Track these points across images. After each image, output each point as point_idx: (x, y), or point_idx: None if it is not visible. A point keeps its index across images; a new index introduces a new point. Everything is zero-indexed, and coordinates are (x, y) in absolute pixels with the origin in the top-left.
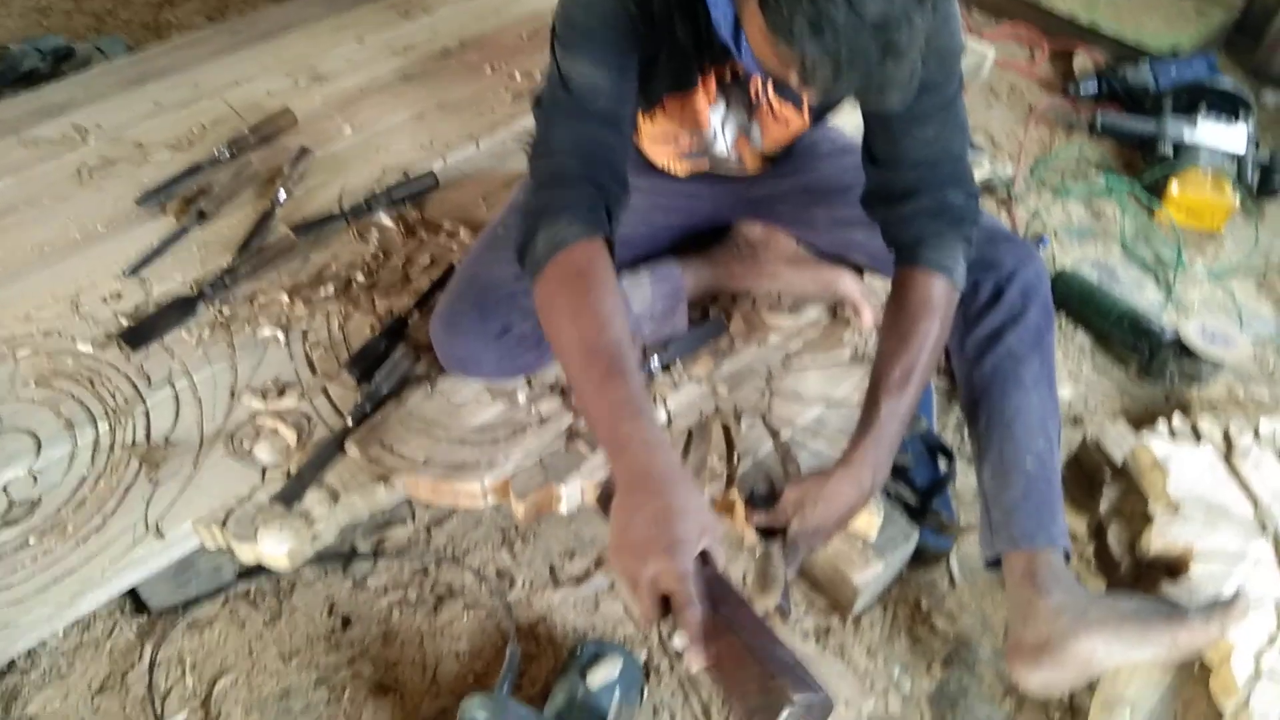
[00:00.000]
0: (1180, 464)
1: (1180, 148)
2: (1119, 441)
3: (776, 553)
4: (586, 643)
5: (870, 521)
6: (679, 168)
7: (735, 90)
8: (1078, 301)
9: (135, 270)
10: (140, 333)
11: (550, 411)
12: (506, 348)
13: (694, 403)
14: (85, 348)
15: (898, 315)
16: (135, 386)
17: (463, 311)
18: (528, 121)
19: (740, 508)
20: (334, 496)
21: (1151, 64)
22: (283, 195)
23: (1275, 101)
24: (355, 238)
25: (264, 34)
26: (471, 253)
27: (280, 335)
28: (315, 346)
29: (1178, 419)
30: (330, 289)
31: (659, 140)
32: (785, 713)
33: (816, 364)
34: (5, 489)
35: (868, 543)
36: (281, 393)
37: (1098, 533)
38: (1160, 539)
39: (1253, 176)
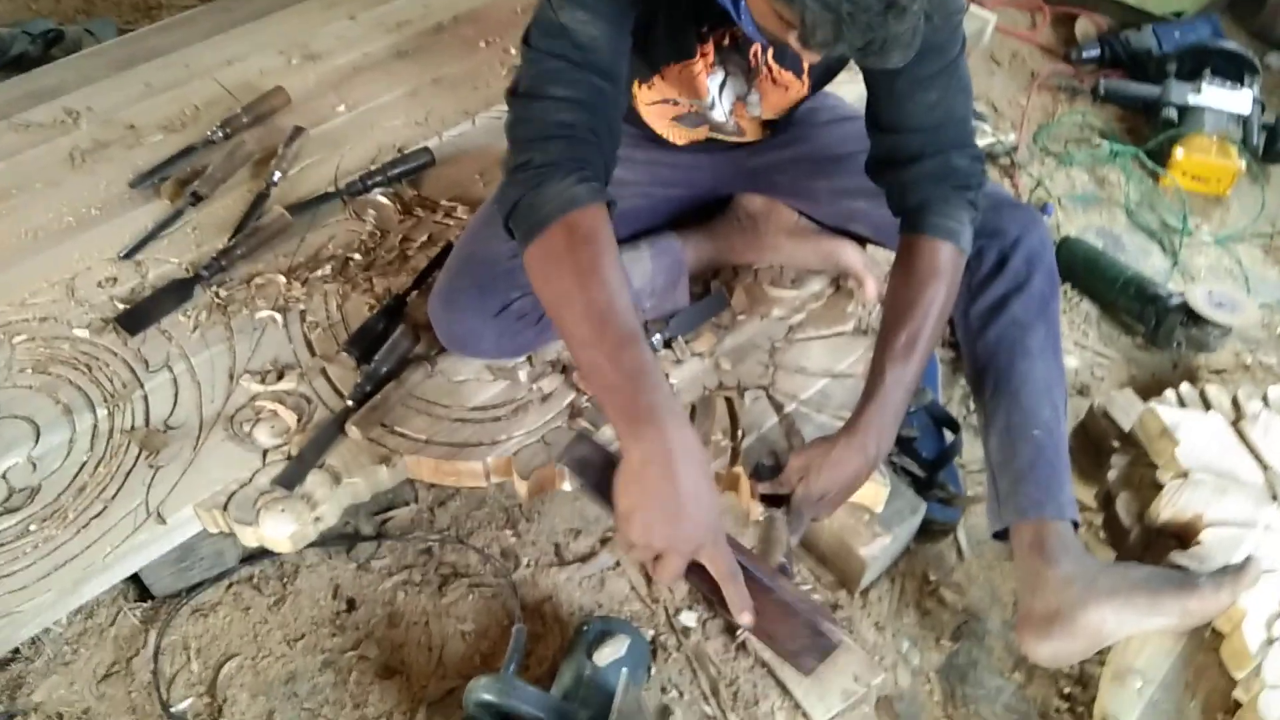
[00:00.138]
0: (1189, 431)
1: (1184, 112)
2: (1127, 409)
3: (780, 518)
4: (593, 621)
5: (877, 494)
6: (677, 136)
7: (734, 56)
8: (1083, 269)
9: (130, 254)
10: (137, 317)
11: (552, 388)
12: (506, 324)
13: (697, 378)
14: (82, 333)
15: (903, 281)
16: (133, 371)
17: (461, 289)
18: None
19: (745, 482)
20: (336, 478)
21: (1154, 28)
22: (277, 175)
23: None
24: (351, 217)
25: (255, 12)
26: (468, 229)
27: (278, 317)
28: (313, 327)
29: (1186, 386)
30: (327, 269)
31: (657, 108)
32: (822, 650)
33: (820, 337)
34: (5, 476)
35: (874, 516)
36: (280, 375)
37: (1106, 502)
38: (1170, 507)
39: (1258, 140)
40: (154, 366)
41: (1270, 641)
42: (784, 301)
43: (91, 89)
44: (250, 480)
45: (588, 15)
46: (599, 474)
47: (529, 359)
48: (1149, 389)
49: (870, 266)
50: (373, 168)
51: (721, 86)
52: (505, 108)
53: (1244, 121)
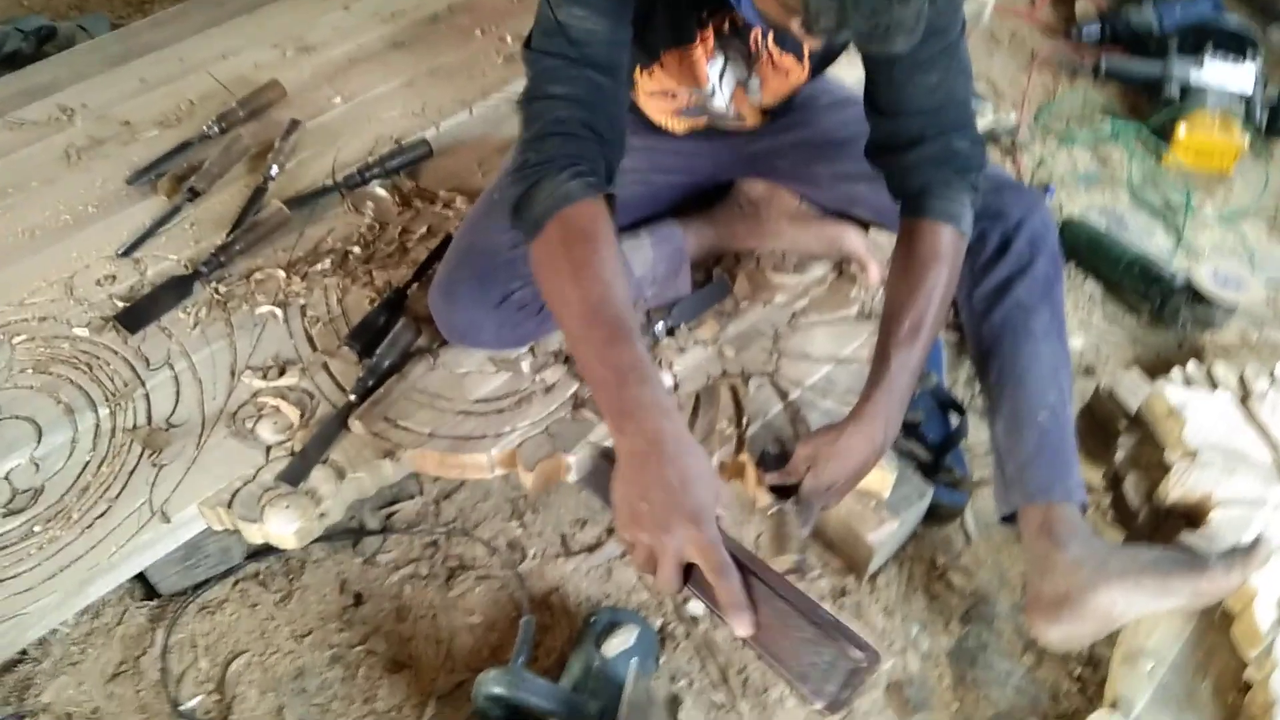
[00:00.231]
0: (1196, 411)
1: (1187, 89)
2: (1133, 390)
3: (791, 511)
4: (601, 611)
5: (884, 479)
6: (677, 125)
7: (734, 42)
8: (1086, 250)
9: (129, 251)
10: (136, 315)
11: (555, 379)
12: (507, 316)
13: (700, 366)
14: (82, 332)
15: (905, 266)
16: (134, 369)
17: (461, 280)
18: (520, 85)
19: (751, 471)
20: (340, 473)
21: (1155, 5)
22: (274, 169)
23: None
24: (350, 210)
25: (249, 5)
26: (467, 220)
27: (278, 312)
28: (314, 322)
29: (1192, 365)
30: (327, 263)
31: (656, 97)
32: (847, 673)
33: (824, 322)
34: (7, 477)
35: (882, 501)
36: (282, 370)
37: (1114, 483)
38: (1178, 487)
39: (1261, 116)
40: (155, 364)
41: None
42: (787, 287)
43: (85, 85)
44: (254, 477)
45: (584, 10)
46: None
47: (531, 350)
48: (1155, 368)
49: (873, 250)
50: (370, 160)
51: (721, 73)
52: (502, 97)
53: (1247, 98)
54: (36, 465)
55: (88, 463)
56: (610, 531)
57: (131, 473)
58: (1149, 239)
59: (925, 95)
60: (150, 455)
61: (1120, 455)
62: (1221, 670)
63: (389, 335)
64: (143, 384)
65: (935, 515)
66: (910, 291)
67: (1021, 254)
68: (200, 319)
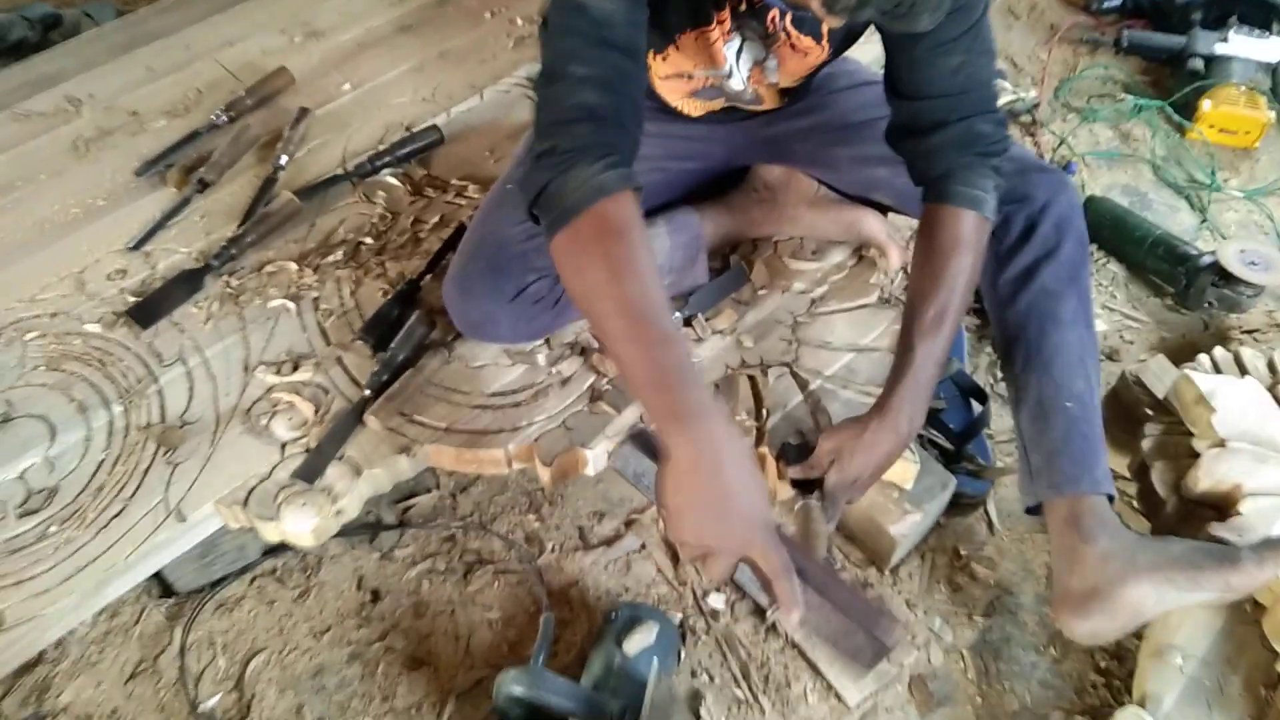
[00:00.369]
0: (1225, 398)
1: (1211, 62)
2: (1160, 376)
3: (815, 507)
4: (621, 608)
5: (907, 471)
6: (693, 108)
7: (751, 22)
8: (1109, 229)
9: (139, 244)
10: (148, 309)
11: (571, 371)
12: (522, 309)
13: (719, 356)
14: (94, 328)
15: (928, 253)
16: (147, 366)
17: (475, 274)
18: (532, 68)
19: (771, 464)
20: (356, 470)
21: None
22: (284, 159)
23: None
24: (361, 199)
25: None
26: (480, 212)
27: (291, 305)
28: (327, 315)
29: (1220, 350)
30: (339, 254)
31: (671, 79)
32: (875, 651)
33: (843, 310)
34: (22, 477)
35: (904, 493)
36: (296, 365)
37: (1140, 472)
38: (1207, 477)
39: None
40: (167, 360)
41: None
42: (805, 274)
43: (92, 75)
44: (270, 474)
45: None
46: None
47: (547, 342)
48: (1180, 351)
49: (893, 235)
50: (381, 148)
51: (739, 53)
52: (513, 81)
53: (1273, 70)
54: (51, 465)
55: (102, 461)
56: (629, 524)
57: (146, 471)
58: (1173, 217)
59: (948, 78)
60: (165, 453)
61: (1147, 443)
62: (1252, 665)
63: (403, 328)
64: (156, 380)
65: (957, 505)
66: (934, 280)
67: (1047, 238)
68: (212, 313)
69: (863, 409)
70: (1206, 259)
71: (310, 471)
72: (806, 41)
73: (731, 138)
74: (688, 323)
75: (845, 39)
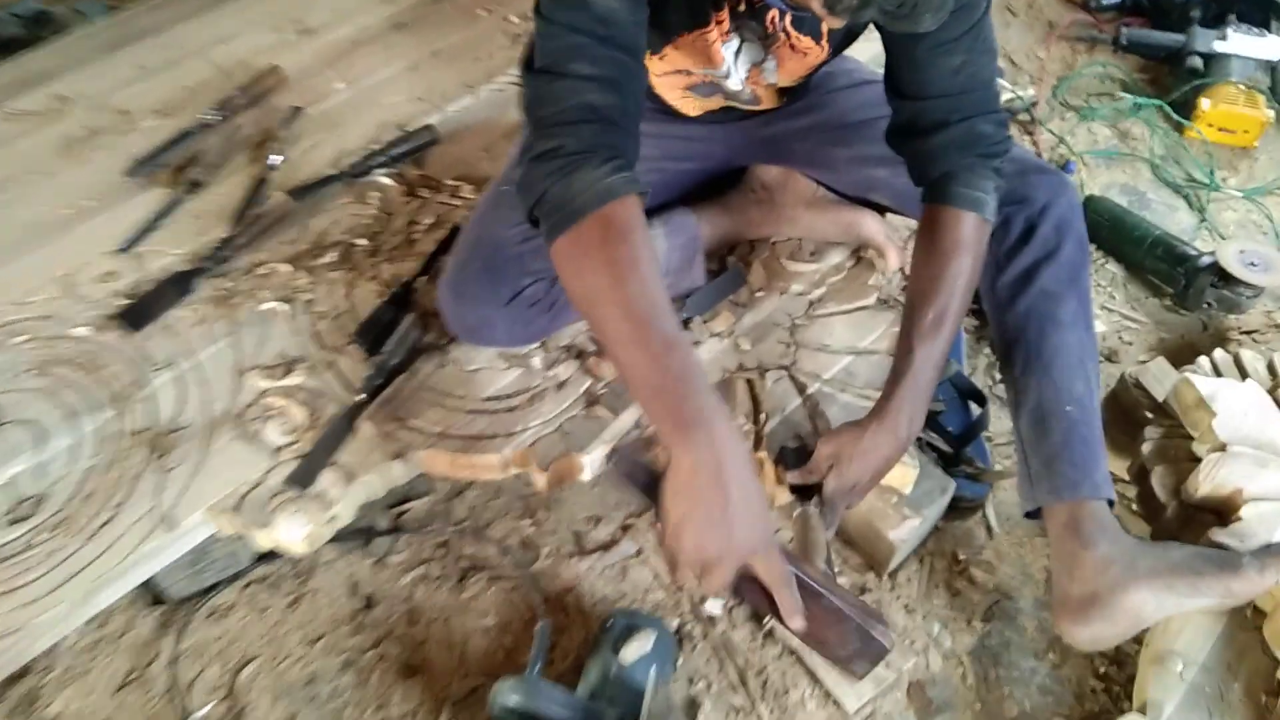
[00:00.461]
0: (1226, 401)
1: (1210, 61)
2: (1160, 379)
3: (814, 513)
4: (617, 615)
5: (906, 475)
6: (690, 108)
7: (749, 23)
8: (1108, 229)
9: (129, 246)
10: (139, 312)
11: (567, 375)
12: (518, 313)
13: (716, 359)
14: (83, 331)
15: (928, 255)
16: (137, 370)
17: (470, 277)
18: None
19: (769, 468)
20: (349, 476)
21: None
22: (277, 159)
23: None
24: (355, 200)
25: None
26: (475, 214)
27: (283, 308)
28: (321, 318)
29: (1220, 353)
30: (332, 256)
31: (669, 79)
32: (874, 654)
33: (841, 312)
34: (11, 483)
35: (903, 498)
36: (289, 369)
37: (1140, 475)
38: (1208, 481)
39: None
40: (158, 364)
41: None
42: (803, 276)
43: (81, 73)
44: (262, 480)
45: None
46: (647, 477)
47: (543, 345)
48: (1179, 352)
49: (892, 236)
50: (375, 148)
51: (737, 54)
52: (508, 80)
53: (1273, 69)
54: (40, 471)
55: (92, 467)
56: (625, 529)
57: (137, 477)
58: (1171, 216)
59: (949, 78)
60: (155, 459)
61: (1147, 446)
62: (1253, 671)
63: (397, 332)
64: (147, 385)
65: (956, 508)
66: (933, 282)
67: (1047, 239)
68: (204, 316)
69: (861, 412)
70: (1206, 259)
71: (303, 477)
72: (806, 42)
73: (729, 138)
74: (685, 325)
75: (845, 39)
